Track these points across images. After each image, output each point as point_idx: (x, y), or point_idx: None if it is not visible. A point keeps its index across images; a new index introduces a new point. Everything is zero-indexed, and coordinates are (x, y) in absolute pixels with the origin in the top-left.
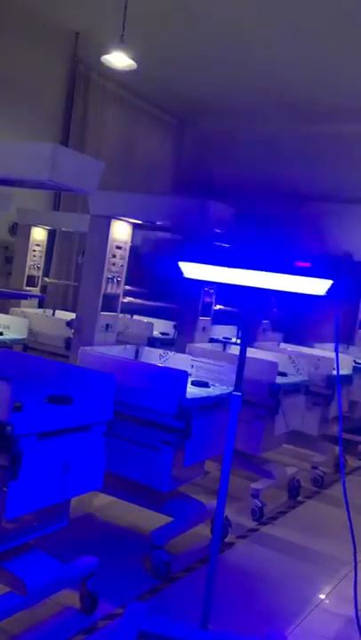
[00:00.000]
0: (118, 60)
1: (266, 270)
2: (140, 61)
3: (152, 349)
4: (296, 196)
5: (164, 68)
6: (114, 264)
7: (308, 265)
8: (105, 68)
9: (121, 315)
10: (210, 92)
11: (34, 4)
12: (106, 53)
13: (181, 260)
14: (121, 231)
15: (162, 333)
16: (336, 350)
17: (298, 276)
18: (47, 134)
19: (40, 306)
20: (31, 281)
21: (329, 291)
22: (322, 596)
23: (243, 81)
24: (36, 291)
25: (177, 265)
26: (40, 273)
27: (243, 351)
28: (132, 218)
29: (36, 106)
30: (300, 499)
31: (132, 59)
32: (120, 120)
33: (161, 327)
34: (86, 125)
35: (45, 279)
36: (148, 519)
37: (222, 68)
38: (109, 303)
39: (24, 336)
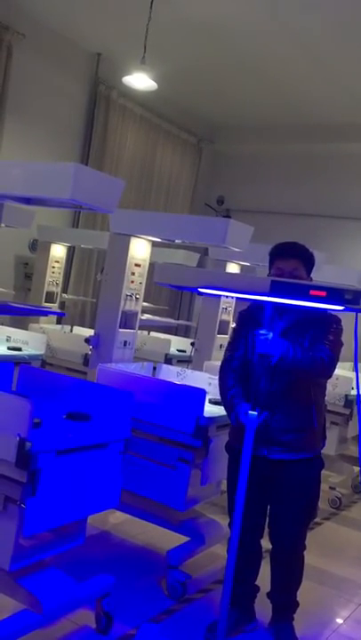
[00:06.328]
0: (139, 81)
1: (281, 298)
2: (160, 82)
3: (170, 367)
4: (313, 214)
5: (183, 89)
6: (133, 281)
7: (323, 294)
8: (125, 89)
9: (138, 331)
10: (228, 111)
11: (56, 26)
12: (127, 74)
13: (200, 288)
14: (140, 249)
15: (179, 350)
16: (356, 369)
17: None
18: (68, 153)
19: (58, 322)
20: (50, 297)
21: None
22: (339, 621)
23: (260, 101)
24: (54, 307)
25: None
26: (59, 289)
27: (257, 370)
28: (151, 236)
29: (58, 125)
30: (317, 520)
31: (153, 79)
32: (140, 139)
33: (178, 344)
34: (106, 144)
35: (64, 295)
36: (164, 538)
37: (240, 89)
38: (128, 320)
39: (42, 352)
